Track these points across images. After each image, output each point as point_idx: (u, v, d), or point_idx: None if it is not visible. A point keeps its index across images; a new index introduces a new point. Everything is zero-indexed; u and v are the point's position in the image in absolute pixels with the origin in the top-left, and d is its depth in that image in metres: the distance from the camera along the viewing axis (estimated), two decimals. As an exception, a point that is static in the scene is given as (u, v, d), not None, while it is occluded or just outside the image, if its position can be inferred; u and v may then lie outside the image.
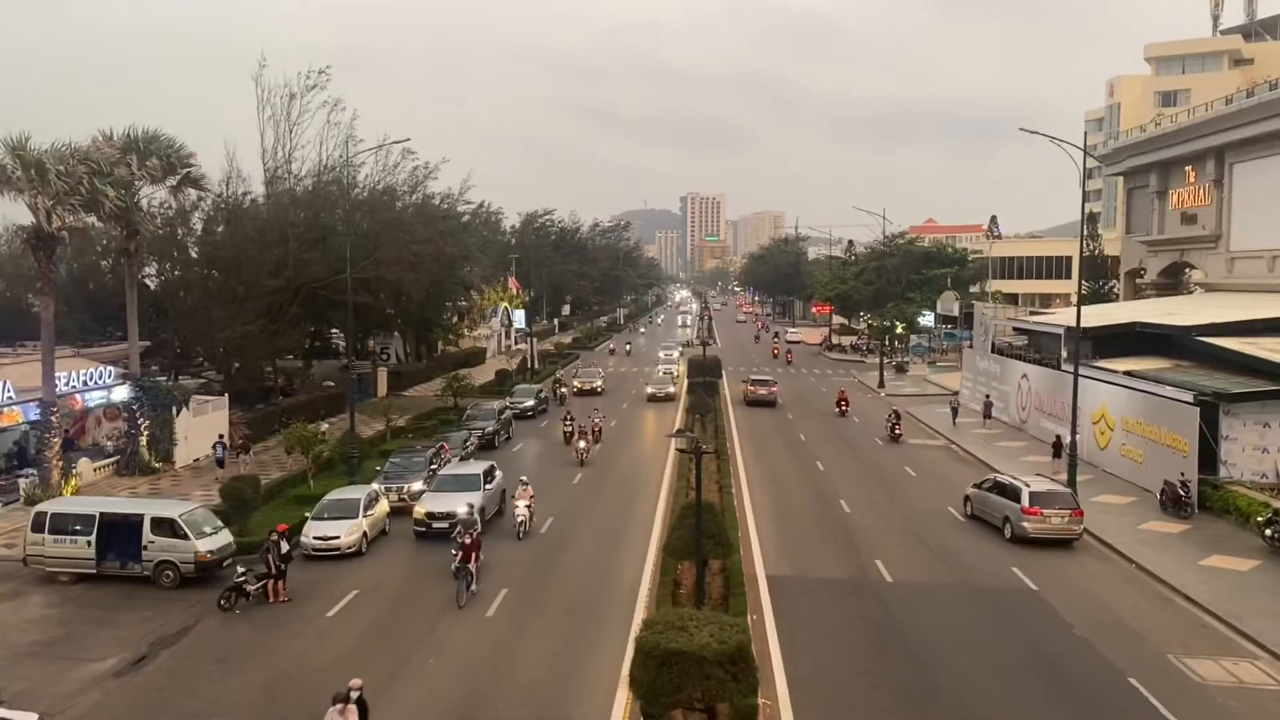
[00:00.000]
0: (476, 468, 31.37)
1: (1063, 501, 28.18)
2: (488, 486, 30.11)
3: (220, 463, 36.56)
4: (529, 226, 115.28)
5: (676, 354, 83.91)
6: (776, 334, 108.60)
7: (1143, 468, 34.32)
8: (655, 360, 79.21)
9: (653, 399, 59.06)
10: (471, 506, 28.23)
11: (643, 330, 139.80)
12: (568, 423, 42.60)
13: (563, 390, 60.18)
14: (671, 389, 60.17)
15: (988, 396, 50.88)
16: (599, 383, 65.08)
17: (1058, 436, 38.68)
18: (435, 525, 27.99)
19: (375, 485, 31.64)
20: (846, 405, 53.59)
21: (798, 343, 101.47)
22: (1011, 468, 38.22)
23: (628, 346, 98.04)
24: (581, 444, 39.11)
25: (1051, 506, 27.82)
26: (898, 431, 45.68)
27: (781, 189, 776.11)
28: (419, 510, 28.60)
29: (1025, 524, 27.68)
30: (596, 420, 43.47)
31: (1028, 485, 28.54)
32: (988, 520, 29.88)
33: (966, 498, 31.64)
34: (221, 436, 37.58)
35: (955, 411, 50.32)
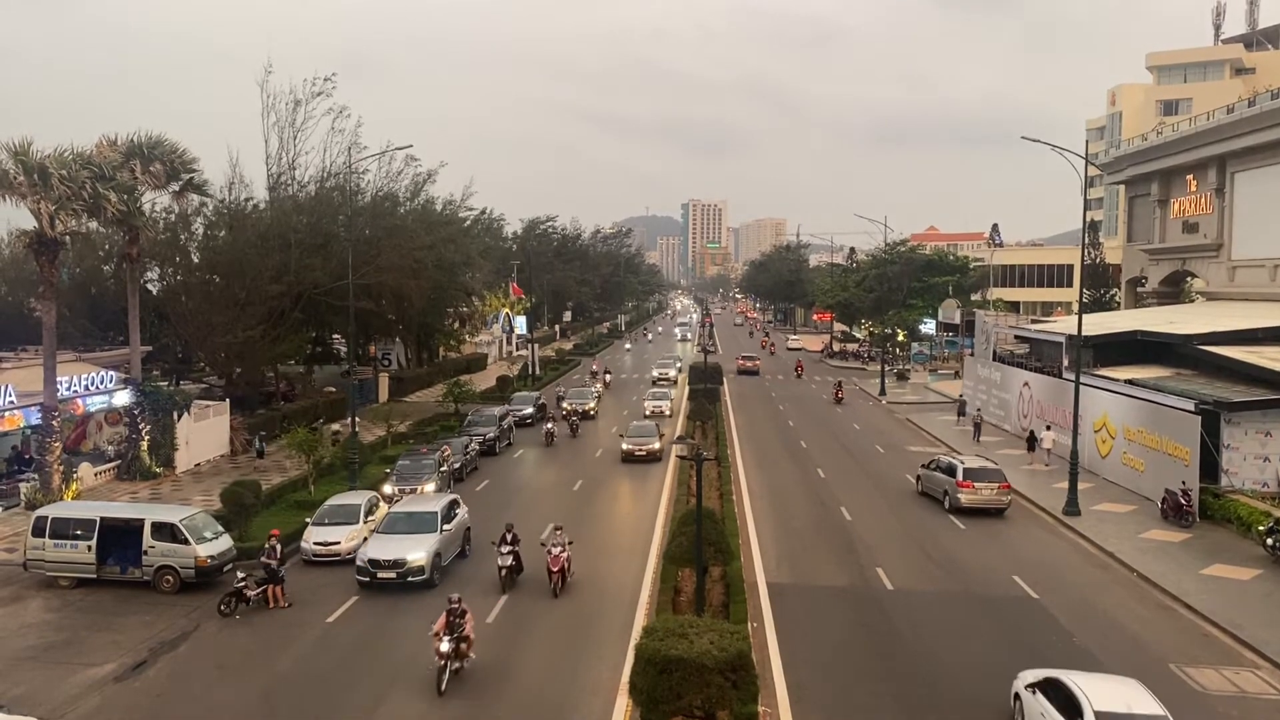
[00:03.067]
0: (434, 504, 26.69)
1: (992, 477, 32.44)
2: (446, 527, 25.73)
3: (260, 454, 40.08)
4: (531, 232, 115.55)
5: (673, 370, 72.89)
6: (767, 332, 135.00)
7: (1144, 476, 34.29)
8: (646, 389, 63.79)
9: (629, 458, 41.57)
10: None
11: (629, 346, 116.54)
12: (503, 552, 24.16)
13: (549, 426, 46.97)
14: (656, 444, 41.81)
15: (961, 395, 53.57)
16: (591, 404, 54.79)
17: (1030, 432, 42.65)
18: (380, 575, 23.77)
19: (387, 487, 31.82)
20: (801, 370, 75.00)
21: (799, 349, 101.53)
22: (1012, 477, 38.42)
23: (607, 376, 72.87)
24: (445, 645, 18.01)
25: (982, 480, 32.18)
26: (840, 395, 61.75)
27: (783, 196, 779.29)
28: (361, 555, 24.35)
29: (960, 495, 32.06)
30: (555, 546, 24.08)
31: (962, 463, 33.41)
32: (932, 494, 34.16)
33: (918, 476, 35.79)
34: (261, 432, 41.69)
35: (978, 428, 47.42)
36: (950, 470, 33.24)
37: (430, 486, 31.87)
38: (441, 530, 25.40)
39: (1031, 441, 41.65)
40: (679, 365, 79.15)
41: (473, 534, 27.83)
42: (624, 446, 41.89)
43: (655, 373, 73.68)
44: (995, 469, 33.32)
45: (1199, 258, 50.95)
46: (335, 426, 44.93)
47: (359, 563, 24.20)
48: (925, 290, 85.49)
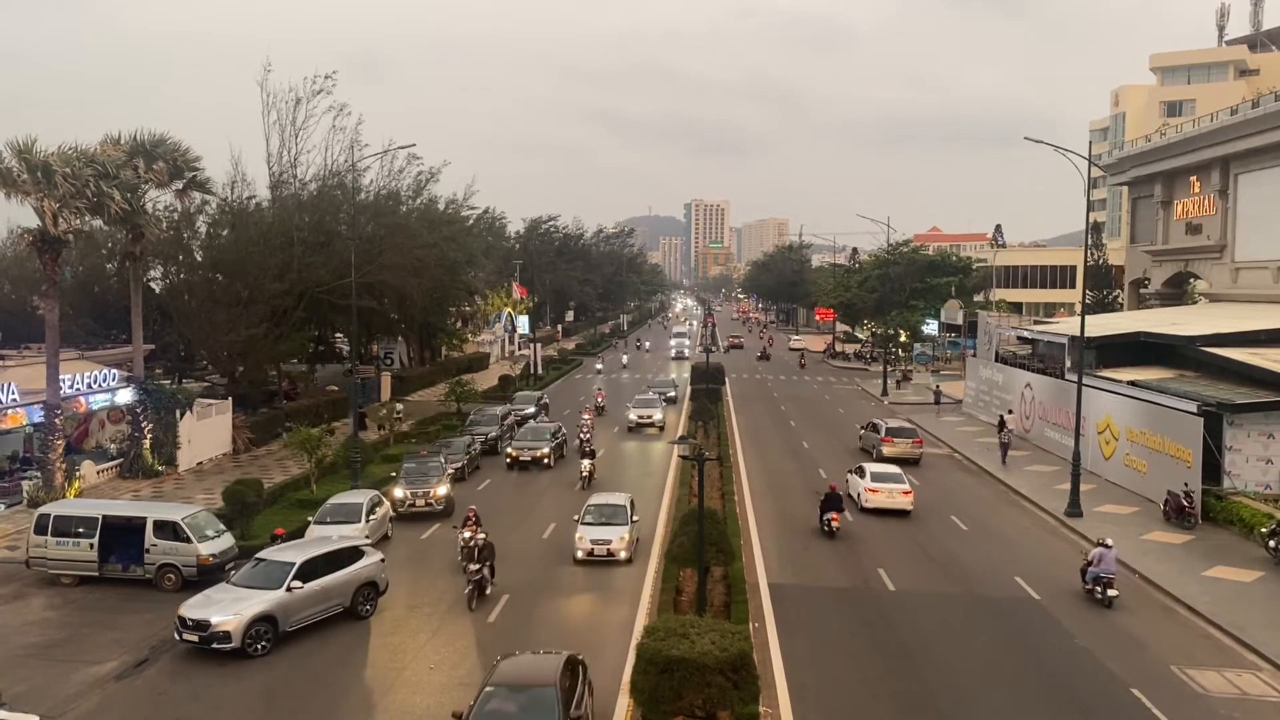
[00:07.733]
0: (307, 551, 21.94)
1: (908, 434, 41.44)
2: (297, 584, 20.55)
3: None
4: (533, 232, 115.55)
5: (658, 412, 48.90)
6: (765, 326, 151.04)
7: (1146, 478, 34.24)
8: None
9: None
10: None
11: (599, 367, 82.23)
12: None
13: (470, 566, 23.02)
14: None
15: (937, 386, 57.95)
16: (544, 449, 39.28)
17: (1000, 416, 45.22)
18: (185, 636, 19.70)
19: (398, 491, 31.38)
20: (773, 343, 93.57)
21: (802, 349, 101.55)
22: (1015, 478, 38.45)
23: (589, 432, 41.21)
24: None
25: (900, 437, 40.91)
26: (803, 363, 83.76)
27: (786, 196, 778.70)
28: (180, 609, 20.14)
29: (884, 449, 40.18)
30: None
31: (886, 423, 42.46)
32: (866, 449, 42.46)
33: (859, 435, 44.47)
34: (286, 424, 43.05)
35: (1005, 448, 41.43)
36: (877, 429, 42.00)
37: (443, 490, 31.71)
38: (290, 586, 20.48)
39: (1002, 425, 44.85)
40: (675, 393, 58.75)
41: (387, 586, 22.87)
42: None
43: (634, 415, 48.89)
44: (910, 428, 42.89)
45: (1202, 259, 50.90)
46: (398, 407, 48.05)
47: (175, 619, 20.20)
48: (928, 291, 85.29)
